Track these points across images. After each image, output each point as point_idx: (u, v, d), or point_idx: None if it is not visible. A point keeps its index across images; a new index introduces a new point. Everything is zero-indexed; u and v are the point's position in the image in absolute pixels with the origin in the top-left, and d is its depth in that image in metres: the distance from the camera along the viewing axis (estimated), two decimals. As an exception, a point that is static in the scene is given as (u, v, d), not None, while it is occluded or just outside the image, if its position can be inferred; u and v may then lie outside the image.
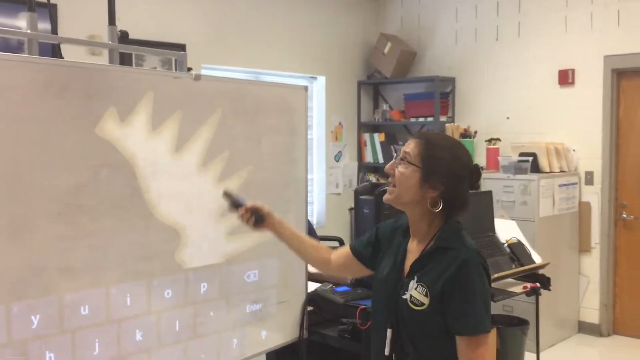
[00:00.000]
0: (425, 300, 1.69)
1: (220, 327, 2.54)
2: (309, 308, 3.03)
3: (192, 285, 2.42)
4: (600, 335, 5.13)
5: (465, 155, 1.78)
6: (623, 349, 4.91)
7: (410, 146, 1.76)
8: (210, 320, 2.49)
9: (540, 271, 3.47)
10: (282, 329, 2.86)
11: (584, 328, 5.20)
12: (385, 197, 1.81)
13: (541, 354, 4.40)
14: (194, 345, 2.43)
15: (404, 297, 1.73)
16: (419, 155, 1.73)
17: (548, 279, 3.30)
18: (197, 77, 2.37)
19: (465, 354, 1.66)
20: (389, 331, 1.78)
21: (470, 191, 1.79)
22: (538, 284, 3.22)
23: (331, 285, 3.13)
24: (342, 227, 5.77)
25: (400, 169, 1.75)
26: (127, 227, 2.16)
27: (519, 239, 3.47)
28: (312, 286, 3.13)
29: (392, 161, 1.81)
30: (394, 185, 1.78)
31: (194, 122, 2.39)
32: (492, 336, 1.79)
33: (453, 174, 1.73)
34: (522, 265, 3.37)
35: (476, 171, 1.79)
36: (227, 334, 2.58)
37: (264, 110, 2.71)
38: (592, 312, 5.17)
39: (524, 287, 3.22)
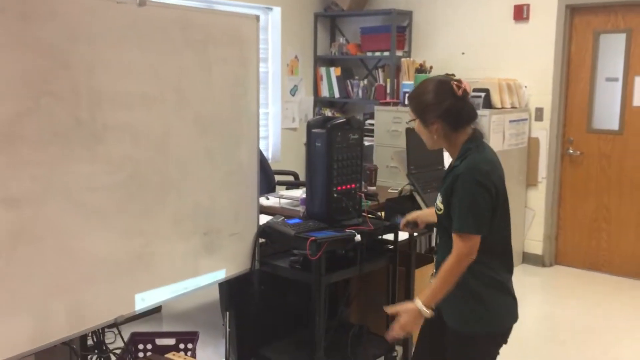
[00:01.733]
0: (442, 207, 2.16)
1: (170, 257, 2.56)
2: (261, 240, 3.07)
3: (141, 215, 2.41)
4: (543, 265, 5.37)
5: (432, 85, 2.17)
6: (563, 278, 5.17)
7: (409, 113, 2.26)
8: (161, 251, 2.50)
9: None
10: (234, 261, 2.90)
11: (528, 259, 5.43)
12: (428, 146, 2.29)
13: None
14: (143, 276, 2.44)
15: (435, 203, 2.24)
16: (411, 112, 2.24)
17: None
18: (142, 3, 2.28)
19: (453, 247, 2.10)
20: (434, 232, 2.37)
21: (464, 100, 2.14)
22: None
23: (283, 217, 3.16)
24: (298, 162, 5.78)
25: (416, 127, 2.26)
26: (72, 157, 2.11)
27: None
28: (265, 219, 3.17)
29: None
30: (423, 139, 2.28)
31: (140, 50, 2.32)
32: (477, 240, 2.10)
33: (434, 105, 2.14)
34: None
35: (446, 83, 2.14)
36: (178, 265, 2.60)
37: (214, 39, 2.64)
38: (536, 244, 5.39)
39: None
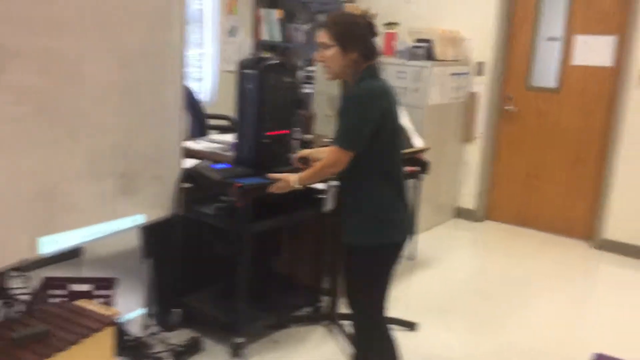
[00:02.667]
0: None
1: (83, 198, 2.38)
2: (186, 185, 2.92)
3: (50, 151, 2.21)
4: (475, 220, 5.44)
5: (360, 19, 2.36)
6: (494, 233, 5.25)
7: (322, 35, 2.33)
8: (72, 191, 2.32)
9: (424, 157, 3.53)
10: (156, 205, 2.74)
11: (461, 213, 5.48)
12: (326, 76, 2.38)
13: (420, 236, 4.61)
14: (51, 217, 2.26)
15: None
16: (331, 36, 2.31)
17: (426, 164, 3.34)
18: None
19: (326, 155, 2.36)
20: None
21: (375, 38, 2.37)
22: (418, 168, 3.25)
23: (210, 161, 3.02)
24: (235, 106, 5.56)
25: (325, 52, 2.33)
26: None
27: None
28: (194, 163, 3.02)
29: (315, 52, 2.38)
30: (325, 67, 2.36)
31: (47, -31, 2.08)
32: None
33: (361, 36, 2.32)
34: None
35: (370, 23, 2.36)
36: (92, 207, 2.43)
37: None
38: (469, 199, 5.44)
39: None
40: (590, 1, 4.85)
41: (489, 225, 5.43)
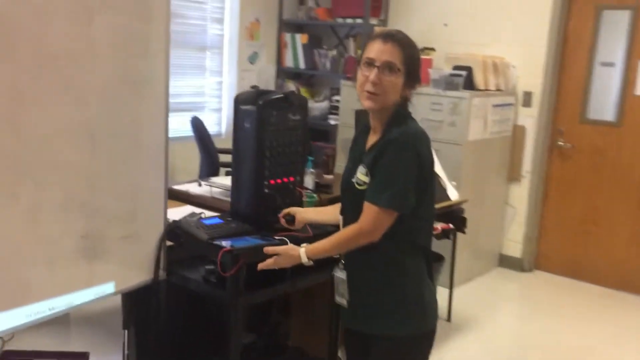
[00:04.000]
0: (367, 179, 1.81)
1: (26, 269, 1.90)
2: (169, 243, 2.42)
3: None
4: (522, 270, 4.79)
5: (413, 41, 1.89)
6: (543, 286, 4.60)
7: (390, 53, 1.81)
8: (11, 260, 1.84)
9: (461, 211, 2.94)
10: (129, 270, 2.25)
11: (505, 262, 4.84)
12: (368, 104, 1.84)
13: (456, 290, 4.00)
14: None
15: (353, 180, 1.86)
16: (402, 60, 1.81)
17: (463, 220, 2.77)
18: None
19: (361, 217, 1.81)
20: (340, 218, 1.96)
21: None
22: (452, 225, 2.68)
23: (202, 213, 2.52)
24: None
25: (389, 77, 1.80)
26: None
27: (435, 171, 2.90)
28: (181, 212, 2.53)
29: (374, 71, 1.81)
30: (375, 93, 1.81)
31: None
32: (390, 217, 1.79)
33: (418, 64, 1.89)
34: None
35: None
36: (40, 278, 1.94)
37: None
38: (515, 246, 4.80)
39: (435, 229, 2.67)
40: (656, 22, 4.23)
41: (538, 276, 4.77)
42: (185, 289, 2.44)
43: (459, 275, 4.17)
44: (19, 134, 1.81)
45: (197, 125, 4.26)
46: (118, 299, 2.61)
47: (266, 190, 2.42)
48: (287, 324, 3.06)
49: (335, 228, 2.08)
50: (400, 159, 1.76)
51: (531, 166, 4.65)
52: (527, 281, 4.68)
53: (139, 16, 2.11)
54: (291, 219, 2.12)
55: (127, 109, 2.13)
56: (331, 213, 2.16)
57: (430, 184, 1.87)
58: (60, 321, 3.37)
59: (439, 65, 4.53)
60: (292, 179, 2.53)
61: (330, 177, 3.56)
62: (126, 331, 2.54)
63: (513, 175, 4.71)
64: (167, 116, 2.31)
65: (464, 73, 4.19)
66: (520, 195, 4.72)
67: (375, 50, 1.80)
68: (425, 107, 4.14)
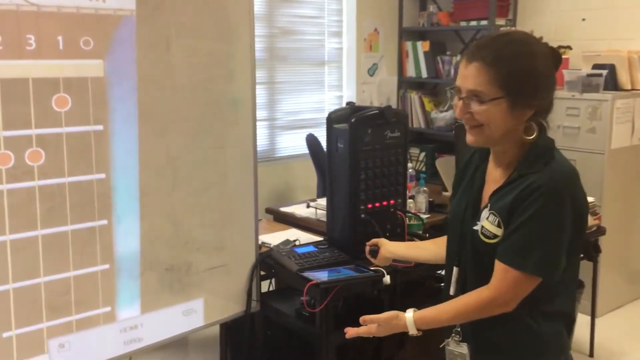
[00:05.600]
0: (498, 232, 1.41)
1: (106, 304, 1.86)
2: (262, 273, 2.31)
3: (59, 252, 1.73)
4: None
5: (537, 45, 1.40)
6: None
7: (474, 78, 1.37)
8: (88, 298, 1.81)
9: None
10: (217, 302, 2.16)
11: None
12: (470, 139, 1.44)
13: (601, 319, 3.49)
14: (72, 340, 1.77)
15: (475, 228, 1.46)
16: (496, 82, 1.36)
17: (596, 248, 2.35)
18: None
19: (493, 281, 1.41)
20: (455, 270, 1.53)
21: None
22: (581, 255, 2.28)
23: (295, 241, 2.37)
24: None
25: (480, 108, 1.38)
26: None
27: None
28: (276, 238, 2.41)
29: (458, 105, 1.42)
30: (476, 125, 1.41)
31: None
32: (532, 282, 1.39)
33: (540, 81, 1.38)
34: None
35: (557, 56, 1.43)
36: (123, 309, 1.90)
37: (173, 3, 1.88)
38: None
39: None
40: None
41: None
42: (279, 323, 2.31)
43: (605, 302, 3.65)
44: (96, 169, 1.77)
45: (312, 142, 4.14)
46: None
47: (362, 216, 2.23)
48: (399, 355, 2.82)
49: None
50: (552, 212, 1.36)
51: (694, 175, 3.99)
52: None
53: (217, 36, 2.01)
54: (376, 250, 1.81)
55: (210, 135, 2.04)
56: (428, 249, 1.78)
57: (583, 237, 1.49)
58: (179, 343, 3.39)
59: (577, 65, 4.04)
60: (392, 202, 2.31)
61: (448, 193, 3.27)
62: (223, 363, 2.46)
63: (671, 186, 4.06)
64: (255, 139, 2.20)
65: (604, 72, 3.69)
66: (681, 209, 4.06)
67: (460, 74, 1.41)
68: (558, 113, 3.69)
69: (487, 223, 1.43)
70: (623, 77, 3.75)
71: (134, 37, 1.77)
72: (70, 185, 1.71)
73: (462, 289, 1.50)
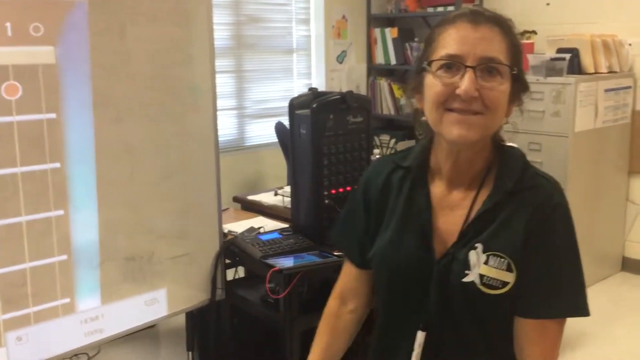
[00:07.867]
0: (509, 277, 1.08)
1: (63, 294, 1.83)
2: (227, 261, 2.30)
3: (13, 241, 1.70)
4: (649, 274, 4.21)
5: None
6: (676, 293, 4.00)
7: (488, 43, 1.05)
8: (46, 288, 1.78)
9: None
10: (181, 291, 2.14)
11: (630, 266, 4.27)
12: (462, 133, 1.07)
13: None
14: (30, 332, 1.74)
15: (467, 280, 1.08)
16: (507, 53, 1.07)
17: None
18: None
19: (527, 344, 1.09)
20: (419, 335, 1.14)
21: None
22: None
23: (259, 228, 2.36)
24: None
25: (492, 84, 1.05)
26: None
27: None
28: (242, 226, 2.40)
29: (466, 77, 1.04)
30: (477, 112, 1.06)
31: None
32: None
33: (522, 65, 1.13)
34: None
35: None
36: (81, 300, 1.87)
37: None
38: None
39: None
40: None
41: (670, 281, 4.17)
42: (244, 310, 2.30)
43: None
44: (50, 156, 1.74)
45: (281, 130, 4.12)
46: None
47: (326, 201, 2.22)
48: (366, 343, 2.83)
49: None
50: (574, 234, 1.13)
51: (656, 156, 4.07)
52: (656, 288, 4.10)
53: (174, 22, 1.98)
54: None
55: (169, 122, 2.02)
56: (331, 348, 1.38)
57: None
58: (148, 333, 3.36)
59: (541, 50, 4.08)
60: (356, 187, 2.30)
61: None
62: (190, 353, 2.44)
63: (634, 168, 4.14)
64: (215, 126, 2.17)
65: (567, 56, 3.73)
66: (644, 190, 4.15)
67: (461, 39, 1.06)
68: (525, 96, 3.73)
69: (489, 269, 1.09)
70: (586, 61, 3.79)
71: (86, 22, 1.74)
72: (24, 175, 1.68)
73: (434, 357, 1.16)
